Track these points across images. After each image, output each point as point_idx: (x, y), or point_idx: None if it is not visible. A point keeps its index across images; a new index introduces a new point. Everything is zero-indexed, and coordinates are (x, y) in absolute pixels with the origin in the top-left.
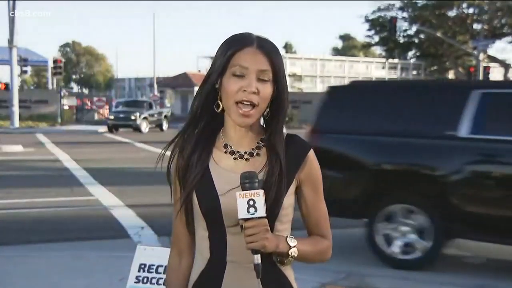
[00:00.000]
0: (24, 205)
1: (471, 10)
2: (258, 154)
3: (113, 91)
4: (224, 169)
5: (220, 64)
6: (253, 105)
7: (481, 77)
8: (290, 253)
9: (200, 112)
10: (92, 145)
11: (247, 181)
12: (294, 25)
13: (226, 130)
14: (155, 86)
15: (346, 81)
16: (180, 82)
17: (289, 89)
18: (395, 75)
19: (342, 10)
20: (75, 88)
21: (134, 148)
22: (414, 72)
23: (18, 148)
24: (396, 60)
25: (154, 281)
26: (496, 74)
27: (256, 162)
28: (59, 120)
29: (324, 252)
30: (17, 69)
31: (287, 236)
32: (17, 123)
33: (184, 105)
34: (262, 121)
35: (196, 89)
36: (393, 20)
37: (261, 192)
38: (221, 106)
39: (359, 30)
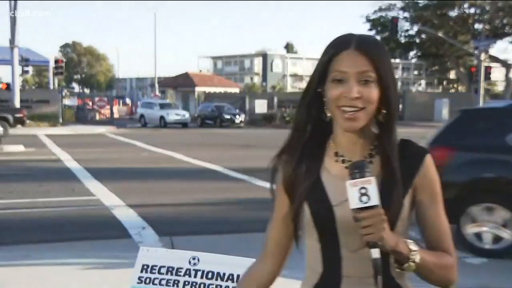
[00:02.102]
0: (25, 205)
1: (472, 10)
2: (371, 162)
3: (114, 91)
4: (337, 178)
5: (319, 71)
6: (358, 108)
7: (482, 77)
8: (410, 257)
9: (305, 121)
10: (93, 145)
11: (357, 171)
12: (295, 25)
13: (336, 137)
14: (156, 86)
15: None
16: (181, 82)
17: (290, 89)
18: (396, 75)
19: (343, 10)
20: (77, 88)
21: (136, 148)
22: (416, 72)
23: (20, 148)
24: (397, 60)
25: (156, 281)
26: (498, 74)
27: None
28: (60, 120)
29: (449, 268)
30: (18, 69)
31: (406, 240)
32: None
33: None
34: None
35: (197, 89)
36: (395, 20)
37: (372, 179)
38: (328, 114)
39: (361, 30)
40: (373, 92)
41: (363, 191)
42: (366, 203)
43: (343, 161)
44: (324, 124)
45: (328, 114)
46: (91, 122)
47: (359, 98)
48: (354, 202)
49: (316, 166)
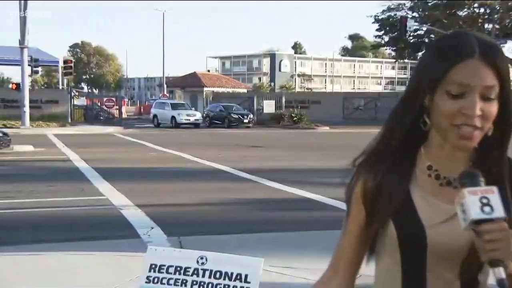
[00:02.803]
0: (34, 204)
1: (482, 10)
2: None
3: (123, 91)
4: (429, 195)
5: (430, 79)
6: (476, 127)
7: None
8: None
9: (400, 129)
10: (102, 145)
11: (466, 180)
12: (303, 25)
13: (430, 149)
14: (164, 86)
15: (356, 82)
16: (189, 82)
17: (298, 89)
18: (404, 75)
19: (352, 9)
20: (85, 88)
21: (144, 148)
22: None
23: (29, 148)
24: (406, 60)
25: (164, 281)
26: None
27: None
28: (69, 120)
29: None
30: (28, 70)
31: None
32: (28, 123)
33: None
34: None
35: (205, 89)
36: (403, 19)
37: (495, 189)
38: (429, 123)
39: (369, 30)
40: (494, 109)
41: (484, 201)
42: (489, 214)
43: (436, 177)
44: (415, 132)
45: (428, 123)
46: (99, 122)
47: (480, 116)
48: (475, 212)
49: (405, 180)
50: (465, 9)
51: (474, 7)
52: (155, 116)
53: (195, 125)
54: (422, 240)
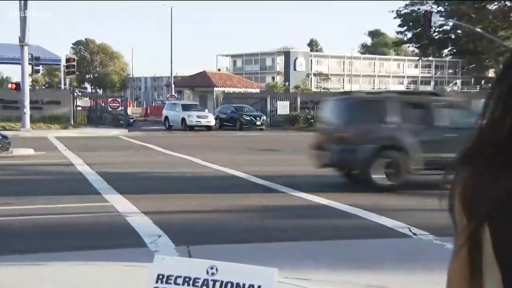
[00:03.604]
0: (34, 211)
1: None
2: None
3: (128, 91)
4: None
5: None
6: None
7: None
8: None
9: (505, 115)
10: (106, 149)
11: None
12: (319, 21)
13: None
14: (172, 86)
15: (376, 81)
16: (198, 81)
17: (314, 89)
18: (428, 74)
19: (372, 4)
20: (89, 88)
21: (151, 152)
22: (450, 71)
23: (29, 151)
24: (430, 58)
25: None
26: None
27: None
28: (72, 122)
29: None
30: (28, 68)
31: None
32: (28, 125)
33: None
34: None
35: (216, 89)
36: (428, 14)
37: None
38: None
39: (391, 25)
40: None
41: None
42: None
43: None
44: None
45: None
46: (103, 124)
47: None
48: None
49: (509, 174)
50: (495, 2)
51: (505, 0)
52: (166, 118)
53: (207, 127)
54: None
